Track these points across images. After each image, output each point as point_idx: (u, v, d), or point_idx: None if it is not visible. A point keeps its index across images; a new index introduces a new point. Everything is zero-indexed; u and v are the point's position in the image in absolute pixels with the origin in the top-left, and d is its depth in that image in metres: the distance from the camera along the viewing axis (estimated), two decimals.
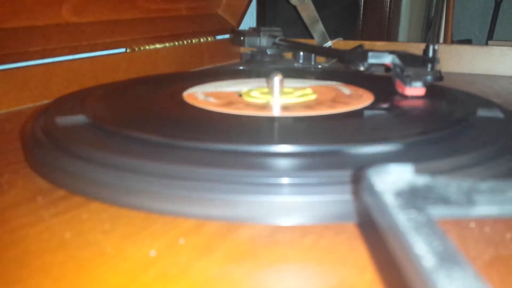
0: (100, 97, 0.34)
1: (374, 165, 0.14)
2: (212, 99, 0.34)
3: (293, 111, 0.31)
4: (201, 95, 0.35)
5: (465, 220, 0.21)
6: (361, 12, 1.22)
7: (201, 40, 0.66)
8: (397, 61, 0.38)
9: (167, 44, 0.60)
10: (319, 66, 0.62)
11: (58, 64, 0.46)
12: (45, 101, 0.44)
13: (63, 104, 0.33)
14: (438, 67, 0.37)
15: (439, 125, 0.28)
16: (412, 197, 0.13)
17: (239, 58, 0.72)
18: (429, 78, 0.36)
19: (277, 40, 0.65)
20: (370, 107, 0.32)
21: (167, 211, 0.21)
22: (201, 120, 0.29)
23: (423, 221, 0.12)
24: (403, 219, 0.12)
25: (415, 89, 0.35)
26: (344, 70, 0.58)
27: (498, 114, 0.30)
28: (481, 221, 0.20)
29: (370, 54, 0.39)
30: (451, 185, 0.14)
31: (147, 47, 0.57)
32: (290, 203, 0.20)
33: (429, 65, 0.37)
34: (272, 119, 0.30)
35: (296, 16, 0.69)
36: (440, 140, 0.25)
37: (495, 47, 0.63)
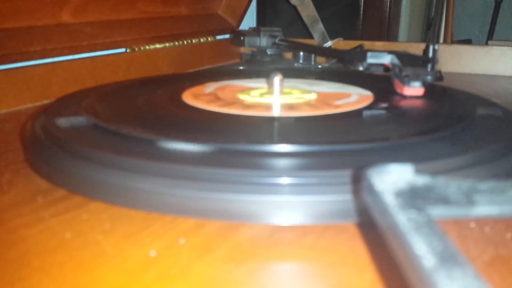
0: (100, 97, 0.34)
1: (374, 165, 0.14)
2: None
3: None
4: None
5: (465, 220, 0.21)
6: (361, 12, 1.22)
7: (201, 40, 0.66)
8: (396, 61, 0.38)
9: (167, 44, 0.60)
10: (319, 66, 0.62)
11: (58, 64, 0.46)
12: (45, 101, 0.44)
13: (63, 104, 0.33)
14: (437, 67, 0.37)
15: (438, 125, 0.28)
16: (412, 197, 0.13)
17: (239, 58, 0.72)
18: (429, 78, 0.36)
19: (277, 40, 0.65)
20: (369, 107, 0.32)
21: (167, 211, 0.21)
22: (200, 120, 0.29)
23: (423, 221, 0.12)
24: (403, 219, 0.12)
25: (414, 89, 0.36)
26: (344, 70, 0.58)
27: (497, 112, 0.30)
28: (481, 221, 0.20)
29: (369, 54, 0.39)
30: (451, 185, 0.14)
31: (147, 47, 0.57)
32: (290, 203, 0.20)
33: (429, 65, 0.37)
34: (271, 119, 0.30)
35: (296, 16, 0.69)
36: (439, 140, 0.25)
37: (495, 47, 0.63)
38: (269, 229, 0.20)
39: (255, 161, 0.22)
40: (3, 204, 0.23)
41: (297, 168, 0.22)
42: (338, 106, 0.32)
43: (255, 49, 0.66)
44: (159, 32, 0.59)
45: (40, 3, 0.45)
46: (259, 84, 0.39)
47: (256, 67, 0.62)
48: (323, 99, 0.34)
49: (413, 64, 0.37)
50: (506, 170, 0.23)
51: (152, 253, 0.18)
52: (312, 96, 0.35)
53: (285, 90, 0.35)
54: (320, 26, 0.67)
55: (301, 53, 0.63)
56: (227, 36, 0.72)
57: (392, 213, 0.12)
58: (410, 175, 0.14)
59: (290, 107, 0.32)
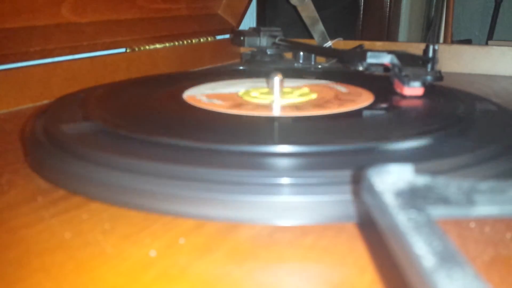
0: (100, 98, 0.34)
1: (374, 165, 0.14)
2: (212, 99, 0.34)
3: (293, 111, 0.31)
4: (201, 95, 0.35)
5: (465, 220, 0.21)
6: (361, 12, 1.22)
7: (201, 40, 0.66)
8: (396, 61, 0.38)
9: (167, 44, 0.60)
10: (319, 66, 0.62)
11: (58, 64, 0.46)
12: (45, 101, 0.44)
13: (64, 104, 0.33)
14: (437, 67, 0.37)
15: (438, 125, 0.28)
16: (412, 197, 0.13)
17: (239, 58, 0.72)
18: (429, 78, 0.36)
19: (277, 40, 0.65)
20: (369, 107, 0.32)
21: (167, 211, 0.21)
22: (201, 120, 0.29)
23: (423, 221, 0.12)
24: (403, 219, 0.12)
25: (413, 89, 0.35)
26: (344, 70, 0.58)
27: (492, 107, 0.29)
28: (481, 221, 0.20)
29: (368, 54, 0.39)
30: (451, 185, 0.14)
31: (147, 47, 0.57)
32: (290, 203, 0.20)
33: (429, 65, 0.37)
34: (272, 119, 0.30)
35: (296, 16, 0.69)
36: (439, 140, 0.25)
37: (495, 47, 0.63)
38: (269, 229, 0.20)
39: (255, 161, 0.22)
40: (3, 204, 0.23)
41: (297, 168, 0.22)
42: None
43: (255, 49, 0.66)
44: (159, 32, 0.59)
45: (40, 3, 0.45)
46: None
47: (256, 67, 0.62)
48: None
49: (413, 64, 0.37)
50: (505, 170, 0.23)
51: (152, 253, 0.18)
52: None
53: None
54: (320, 26, 0.67)
55: (301, 53, 0.63)
56: (227, 36, 0.72)
57: (392, 213, 0.12)
58: (410, 175, 0.14)
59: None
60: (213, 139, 0.24)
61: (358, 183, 0.16)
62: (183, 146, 0.24)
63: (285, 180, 0.20)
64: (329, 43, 0.67)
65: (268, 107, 0.32)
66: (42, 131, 0.28)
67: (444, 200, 0.13)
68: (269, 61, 0.63)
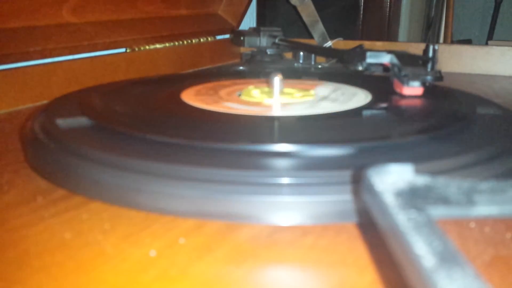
0: (99, 97, 0.34)
1: (374, 165, 0.14)
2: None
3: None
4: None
5: (465, 220, 0.21)
6: (361, 12, 1.22)
7: (201, 40, 0.66)
8: (395, 60, 0.38)
9: (167, 44, 0.60)
10: (319, 66, 0.62)
11: (58, 64, 0.46)
12: (45, 101, 0.44)
13: (63, 104, 0.33)
14: (437, 67, 0.37)
15: (437, 124, 0.28)
16: (412, 197, 0.13)
17: (239, 58, 0.72)
18: (429, 78, 0.36)
19: (277, 40, 0.65)
20: (368, 106, 0.32)
21: (167, 211, 0.21)
22: (201, 120, 0.29)
23: (423, 221, 0.12)
24: (403, 219, 0.12)
25: (413, 89, 0.36)
26: (344, 70, 0.58)
27: (497, 111, 0.30)
28: (481, 221, 0.20)
29: (368, 53, 0.39)
30: (451, 185, 0.14)
31: (147, 47, 0.57)
32: (290, 203, 0.20)
33: (429, 65, 0.37)
34: (272, 119, 0.30)
35: (296, 16, 0.69)
36: (438, 139, 0.25)
37: (495, 47, 0.63)
38: (269, 229, 0.20)
39: (255, 161, 0.22)
40: (3, 204, 0.23)
41: (297, 168, 0.22)
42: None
43: (255, 49, 0.66)
44: (159, 32, 0.59)
45: (40, 3, 0.45)
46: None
47: (256, 67, 0.62)
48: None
49: (413, 64, 0.37)
50: (506, 169, 0.23)
51: (152, 253, 0.18)
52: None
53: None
54: (320, 26, 0.67)
55: (301, 53, 0.63)
56: (227, 36, 0.72)
57: (392, 213, 0.12)
58: (410, 175, 0.14)
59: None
60: (212, 138, 0.24)
61: (358, 183, 0.16)
62: (183, 145, 0.24)
63: (285, 180, 0.20)
64: (329, 43, 0.67)
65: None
66: (40, 130, 0.28)
67: (444, 200, 0.13)
68: (269, 61, 0.63)
